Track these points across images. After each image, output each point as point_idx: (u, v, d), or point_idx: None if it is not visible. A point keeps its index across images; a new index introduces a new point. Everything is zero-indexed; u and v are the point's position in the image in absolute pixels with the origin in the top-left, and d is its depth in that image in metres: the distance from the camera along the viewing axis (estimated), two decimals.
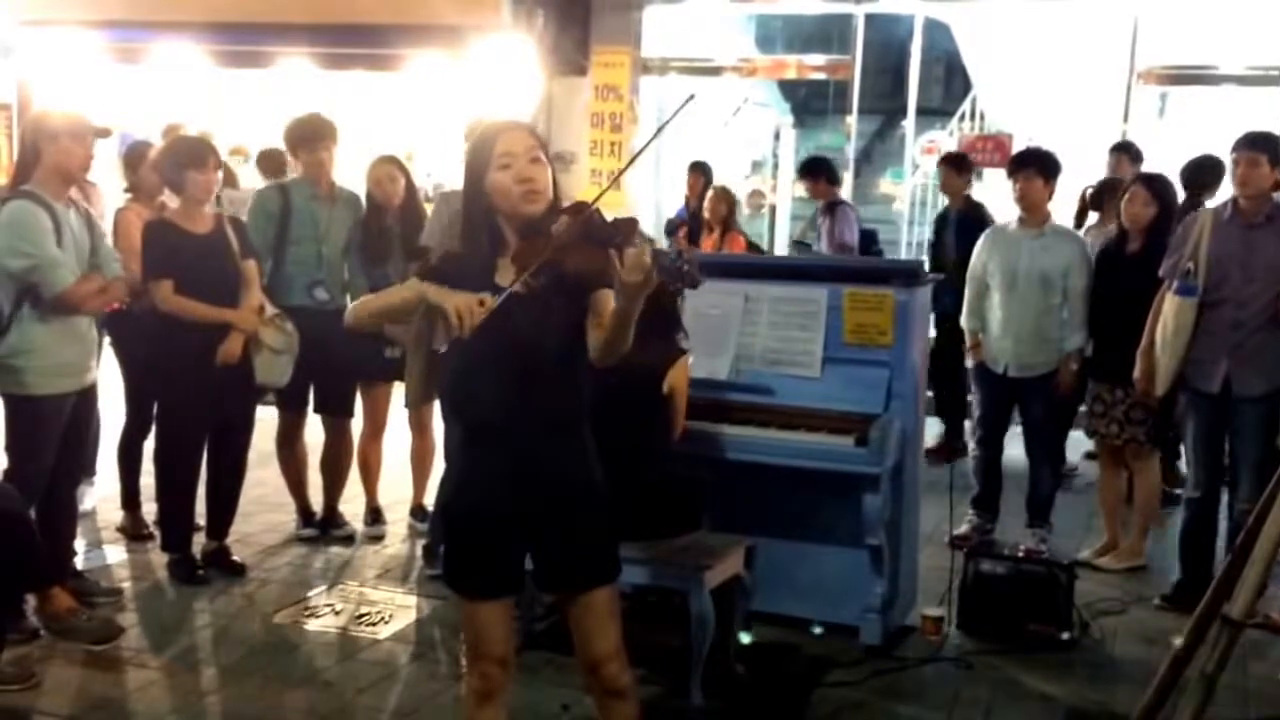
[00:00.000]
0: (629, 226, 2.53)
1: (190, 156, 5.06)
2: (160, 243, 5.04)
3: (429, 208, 6.46)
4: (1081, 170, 8.09)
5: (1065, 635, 4.72)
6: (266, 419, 5.75)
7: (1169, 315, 5.11)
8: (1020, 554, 4.97)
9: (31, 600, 4.49)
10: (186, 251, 5.02)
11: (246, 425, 5.40)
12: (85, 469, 5.79)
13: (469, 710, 2.98)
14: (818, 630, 4.67)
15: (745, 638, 4.40)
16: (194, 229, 5.08)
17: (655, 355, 4.09)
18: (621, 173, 4.42)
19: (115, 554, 5.56)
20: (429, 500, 6.06)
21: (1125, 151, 7.91)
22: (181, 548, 5.27)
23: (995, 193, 11.50)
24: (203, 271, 5.04)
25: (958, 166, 8.21)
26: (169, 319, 5.04)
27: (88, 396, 4.71)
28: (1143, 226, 5.59)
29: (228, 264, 5.13)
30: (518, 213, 2.71)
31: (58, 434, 4.52)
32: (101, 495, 6.12)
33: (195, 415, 5.19)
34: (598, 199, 2.66)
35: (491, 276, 2.75)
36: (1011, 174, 5.88)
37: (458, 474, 2.95)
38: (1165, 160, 7.74)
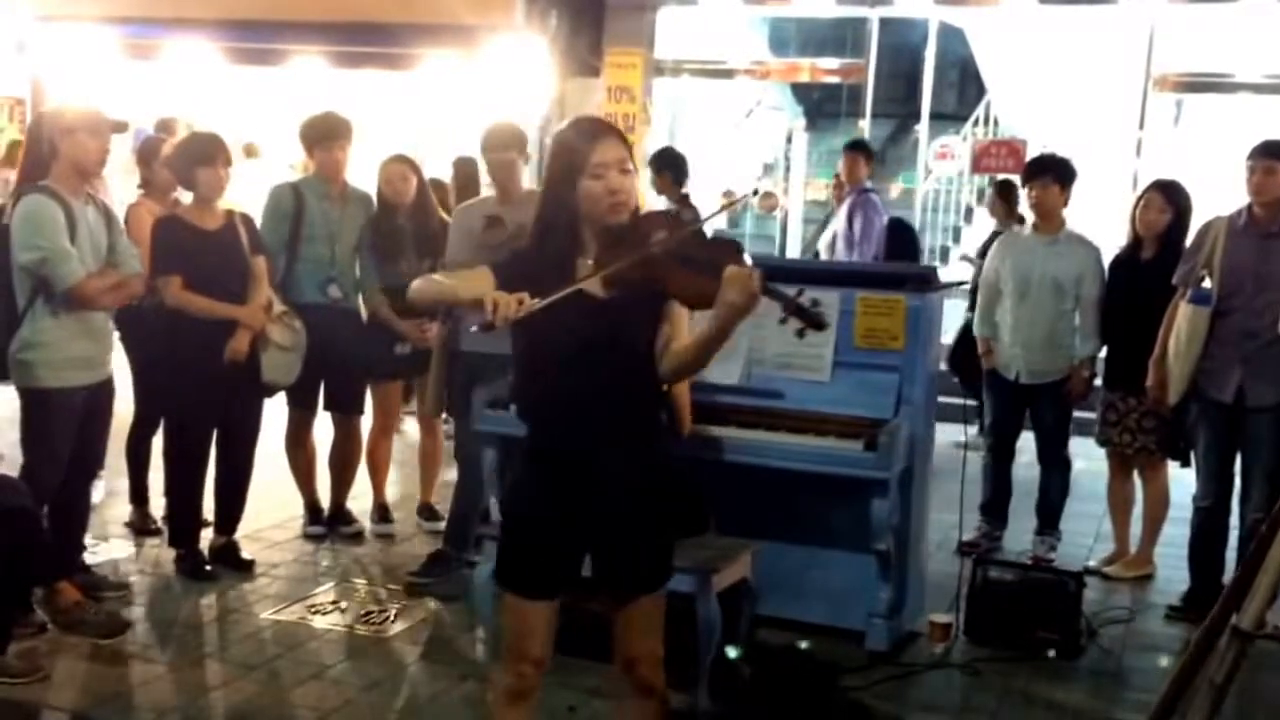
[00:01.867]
0: (729, 249, 2.58)
1: (200, 154, 5.07)
2: (170, 238, 5.05)
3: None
4: (1096, 177, 8.07)
5: (1051, 653, 4.69)
6: (276, 415, 5.76)
7: (1182, 324, 5.09)
8: (1029, 561, 4.95)
9: (38, 593, 4.49)
10: (196, 247, 5.03)
11: (254, 422, 5.40)
12: (95, 463, 5.81)
13: (499, 708, 3.00)
14: (804, 644, 4.60)
15: (732, 652, 4.34)
16: (204, 225, 5.09)
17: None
18: (710, 217, 4.59)
19: (123, 549, 5.56)
20: (436, 499, 6.06)
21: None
22: (189, 543, 5.27)
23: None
24: (212, 268, 5.05)
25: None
26: (177, 315, 5.04)
27: (103, 390, 4.71)
28: (1157, 233, 5.56)
29: (237, 260, 5.14)
30: (603, 221, 2.76)
31: (71, 427, 4.52)
32: (110, 490, 6.12)
33: (203, 411, 5.20)
34: (705, 220, 2.71)
35: (570, 277, 2.76)
36: (1027, 181, 5.86)
37: (523, 475, 2.95)
38: (1180, 168, 7.72)
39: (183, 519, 5.29)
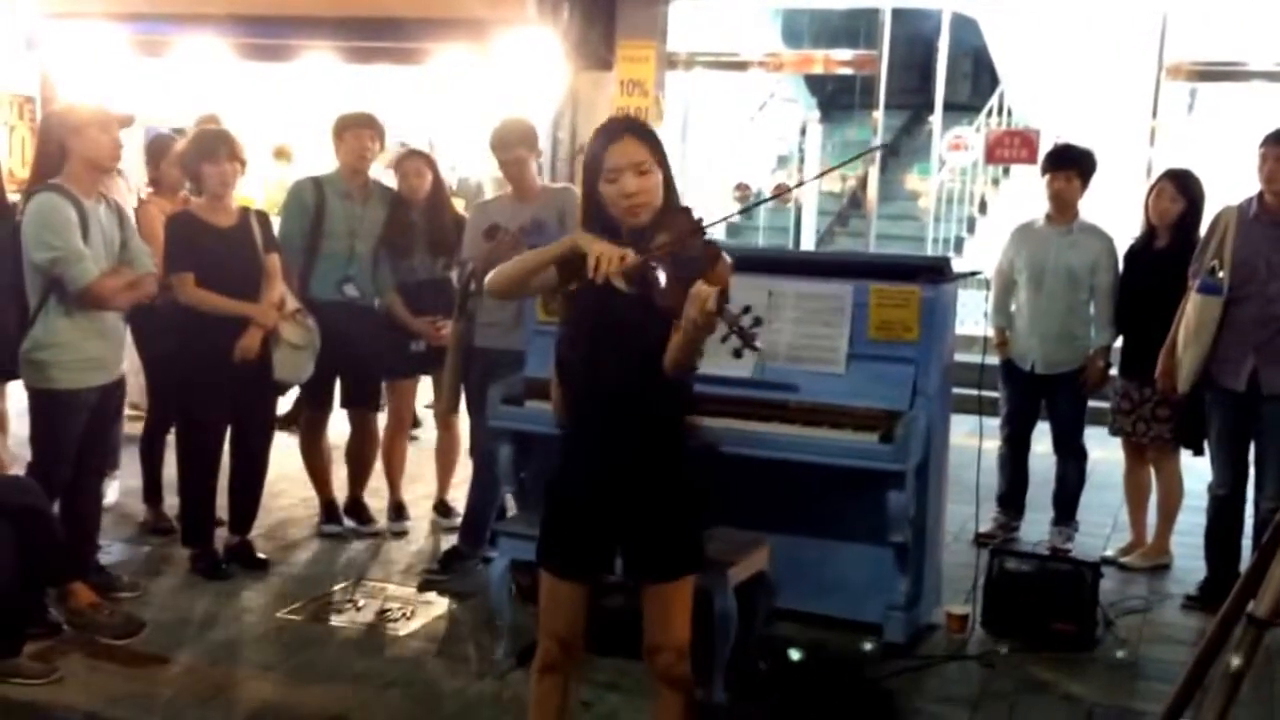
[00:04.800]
0: (709, 261, 2.60)
1: (205, 150, 5.07)
2: (183, 235, 5.05)
3: (456, 202, 6.46)
4: (1110, 166, 8.03)
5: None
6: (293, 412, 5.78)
7: (1191, 313, 5.07)
8: (1046, 552, 4.93)
9: (53, 594, 4.50)
10: (209, 244, 5.03)
11: (267, 420, 5.40)
12: (108, 462, 5.82)
13: (532, 681, 3.13)
14: (869, 646, 4.56)
15: (795, 654, 4.33)
16: (217, 222, 5.09)
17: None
18: (754, 205, 4.42)
19: (137, 548, 5.57)
20: (452, 496, 6.06)
21: None
22: (203, 542, 5.28)
23: (1021, 190, 11.45)
24: (225, 265, 5.05)
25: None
26: (190, 313, 5.05)
27: (114, 391, 4.72)
28: (1170, 222, 5.54)
29: (250, 258, 5.13)
30: (624, 222, 2.83)
31: (80, 428, 4.53)
32: (124, 489, 6.14)
33: (214, 410, 5.20)
34: (713, 223, 2.74)
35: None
36: (1048, 172, 5.82)
37: (563, 459, 3.07)
38: (1195, 157, 7.67)
39: (196, 519, 5.29)
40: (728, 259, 2.69)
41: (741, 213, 3.43)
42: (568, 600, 3.01)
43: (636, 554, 3.00)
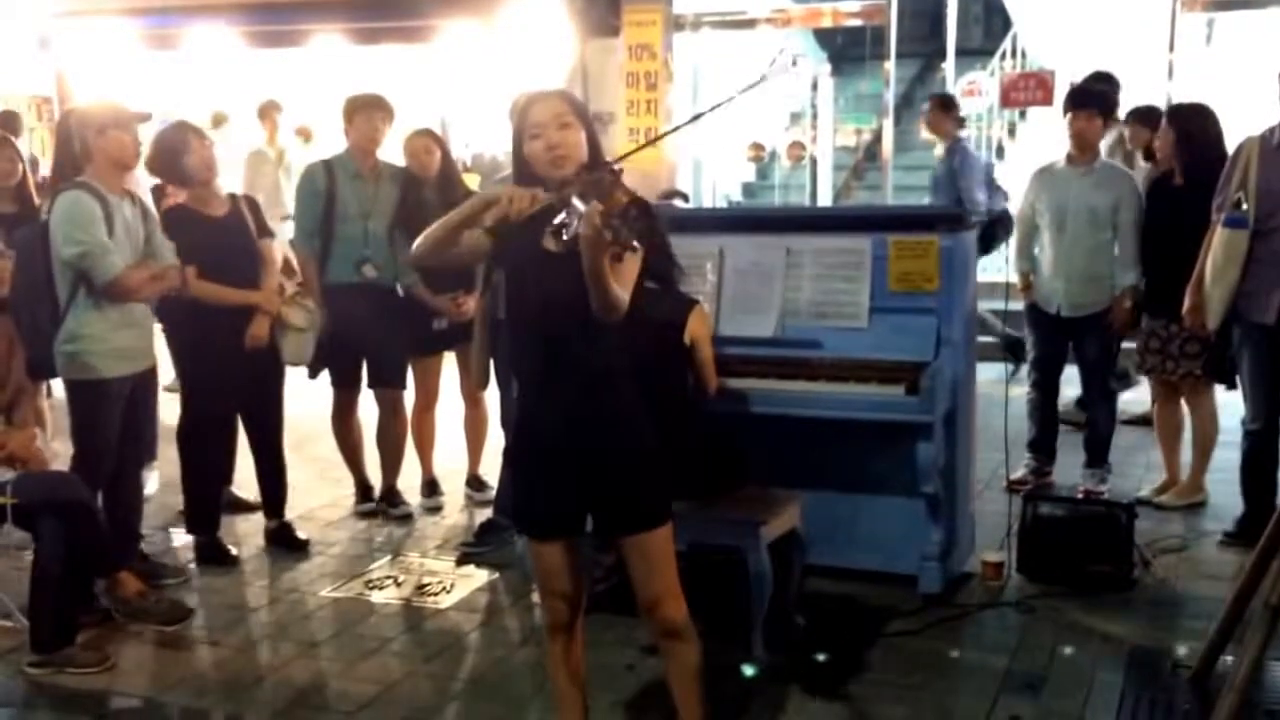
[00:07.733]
0: (611, 192, 2.65)
1: (171, 146, 5.11)
2: (180, 229, 5.04)
3: (468, 178, 6.46)
4: (1128, 102, 7.96)
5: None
6: (322, 396, 5.82)
7: (1218, 248, 5.02)
8: (1079, 495, 4.93)
9: (101, 584, 4.57)
10: (206, 236, 5.07)
11: (278, 404, 5.45)
12: (147, 453, 5.89)
13: (547, 644, 3.21)
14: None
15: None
16: (211, 212, 5.14)
17: (669, 308, 4.05)
18: (646, 145, 4.26)
19: (178, 537, 5.63)
20: (484, 469, 6.10)
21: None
22: (208, 530, 5.33)
23: (1038, 132, 11.35)
24: (224, 254, 5.11)
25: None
26: (197, 304, 5.09)
27: (146, 380, 4.80)
28: (1169, 156, 5.50)
29: (247, 245, 5.20)
30: (550, 176, 2.90)
31: (119, 416, 4.60)
32: (164, 479, 6.20)
33: (222, 398, 5.24)
34: (626, 155, 2.75)
35: (540, 236, 2.90)
36: (1069, 111, 5.79)
37: (515, 425, 3.13)
38: (1214, 89, 7.60)
39: (201, 506, 5.34)
40: (628, 188, 2.75)
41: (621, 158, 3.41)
42: (554, 560, 3.07)
43: (603, 511, 3.04)
